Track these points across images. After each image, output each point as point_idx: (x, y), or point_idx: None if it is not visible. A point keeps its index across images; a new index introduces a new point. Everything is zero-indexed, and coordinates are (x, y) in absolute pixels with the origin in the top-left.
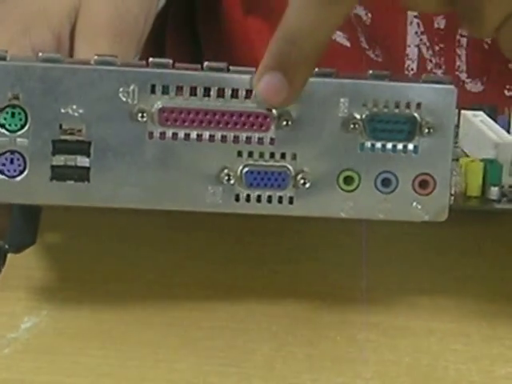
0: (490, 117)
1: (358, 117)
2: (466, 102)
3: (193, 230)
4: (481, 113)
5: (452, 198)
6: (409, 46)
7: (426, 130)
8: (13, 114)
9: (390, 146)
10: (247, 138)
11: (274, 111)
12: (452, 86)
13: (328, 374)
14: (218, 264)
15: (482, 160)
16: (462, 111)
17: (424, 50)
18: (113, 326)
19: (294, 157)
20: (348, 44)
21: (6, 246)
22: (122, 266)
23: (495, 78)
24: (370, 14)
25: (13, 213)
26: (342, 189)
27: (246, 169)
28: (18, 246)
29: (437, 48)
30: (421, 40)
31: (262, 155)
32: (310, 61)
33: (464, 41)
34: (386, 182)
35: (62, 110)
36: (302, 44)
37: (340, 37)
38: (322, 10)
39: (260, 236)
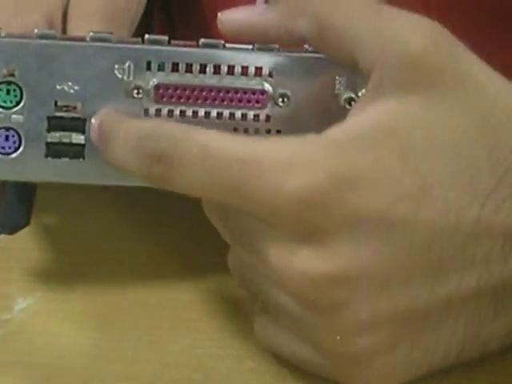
0: None
1: (352, 95)
2: None
3: (186, 210)
4: None
5: None
6: None
7: None
8: (8, 91)
9: None
10: (243, 114)
11: (269, 88)
12: None
13: None
14: (212, 246)
15: None
16: None
17: None
18: (107, 308)
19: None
20: None
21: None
22: (116, 249)
23: None
24: None
25: (6, 194)
26: None
27: None
28: (12, 227)
29: None
30: None
31: (257, 132)
32: None
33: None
34: None
35: (58, 87)
36: None
37: None
38: None
39: None
